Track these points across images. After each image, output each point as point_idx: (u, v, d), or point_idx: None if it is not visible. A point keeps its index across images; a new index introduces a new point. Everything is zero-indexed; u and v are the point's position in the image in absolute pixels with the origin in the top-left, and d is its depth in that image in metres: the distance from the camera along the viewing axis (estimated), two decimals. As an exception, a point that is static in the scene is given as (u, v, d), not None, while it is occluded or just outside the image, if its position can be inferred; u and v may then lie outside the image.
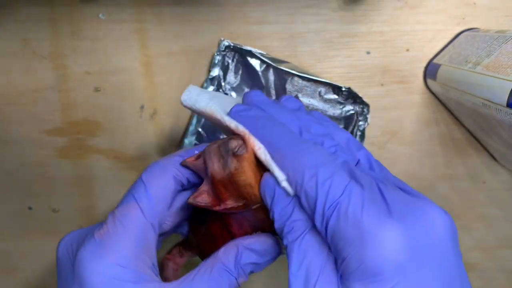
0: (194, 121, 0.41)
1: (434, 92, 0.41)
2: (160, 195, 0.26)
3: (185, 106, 0.29)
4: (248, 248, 0.26)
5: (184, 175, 0.27)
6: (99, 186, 0.43)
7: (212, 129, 0.41)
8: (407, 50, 0.41)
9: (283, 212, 0.24)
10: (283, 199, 0.24)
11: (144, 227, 0.25)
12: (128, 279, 0.23)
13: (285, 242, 0.24)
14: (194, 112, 0.30)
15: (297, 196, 0.24)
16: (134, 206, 0.26)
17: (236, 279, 0.26)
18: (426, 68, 0.41)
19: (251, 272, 0.27)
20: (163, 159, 0.28)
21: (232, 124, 0.27)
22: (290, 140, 0.25)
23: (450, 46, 0.40)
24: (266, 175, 0.25)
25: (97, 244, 0.24)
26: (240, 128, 0.26)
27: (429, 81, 0.40)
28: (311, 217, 0.23)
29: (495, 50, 0.32)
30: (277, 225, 0.24)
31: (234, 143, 0.25)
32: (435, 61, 0.40)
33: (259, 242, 0.27)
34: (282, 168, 0.24)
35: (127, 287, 0.23)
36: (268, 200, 0.25)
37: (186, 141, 0.41)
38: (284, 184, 0.24)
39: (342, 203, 0.22)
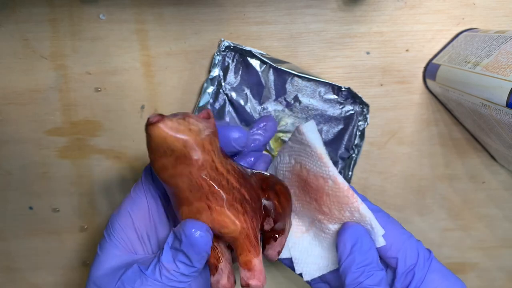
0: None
1: (434, 92, 0.41)
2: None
3: (299, 133, 0.30)
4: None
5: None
6: (99, 186, 0.43)
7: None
8: (407, 50, 0.41)
9: (366, 259, 0.28)
10: (369, 249, 0.29)
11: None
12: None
13: (360, 284, 0.28)
14: (298, 141, 0.30)
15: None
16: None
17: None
18: (426, 68, 0.41)
19: None
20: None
21: (338, 178, 0.29)
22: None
23: (449, 46, 0.40)
24: (353, 224, 0.29)
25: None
26: (343, 184, 0.28)
27: (429, 81, 0.40)
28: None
29: (495, 50, 0.33)
30: (354, 268, 0.28)
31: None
32: (434, 61, 0.40)
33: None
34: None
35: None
36: (347, 247, 0.29)
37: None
38: (381, 238, 0.29)
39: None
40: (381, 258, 0.30)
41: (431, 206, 0.43)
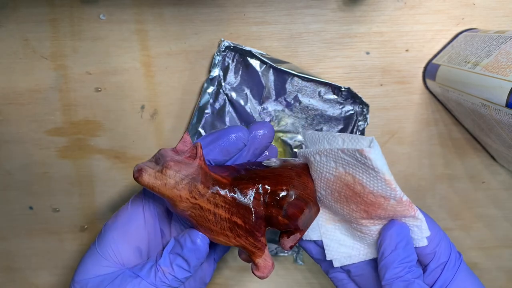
0: (194, 121, 0.41)
1: (434, 92, 0.41)
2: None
3: (364, 157, 0.29)
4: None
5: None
6: (99, 186, 0.43)
7: (211, 129, 0.41)
8: (407, 50, 0.41)
9: (409, 257, 0.30)
10: (411, 247, 0.30)
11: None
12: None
13: (401, 278, 0.30)
14: (358, 160, 0.30)
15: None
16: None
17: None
18: (426, 68, 0.41)
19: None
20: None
21: (404, 197, 0.30)
22: None
23: (449, 47, 0.40)
24: (400, 222, 0.31)
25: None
26: (406, 201, 0.30)
27: (429, 82, 0.40)
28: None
29: (494, 51, 0.33)
30: (397, 263, 0.30)
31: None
32: (434, 61, 0.40)
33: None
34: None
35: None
36: (392, 243, 0.30)
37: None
38: (425, 239, 0.31)
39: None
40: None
41: (431, 206, 0.43)
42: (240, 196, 0.29)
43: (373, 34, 0.41)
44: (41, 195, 0.43)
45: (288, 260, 0.43)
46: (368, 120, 0.40)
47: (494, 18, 0.40)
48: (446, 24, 0.40)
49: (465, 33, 0.40)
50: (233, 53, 0.40)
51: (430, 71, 0.40)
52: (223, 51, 0.40)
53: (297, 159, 0.33)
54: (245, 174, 0.30)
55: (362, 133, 0.40)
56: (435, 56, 0.40)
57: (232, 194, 0.29)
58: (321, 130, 0.41)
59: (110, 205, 0.43)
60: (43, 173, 0.43)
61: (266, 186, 0.30)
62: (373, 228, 0.32)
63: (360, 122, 0.40)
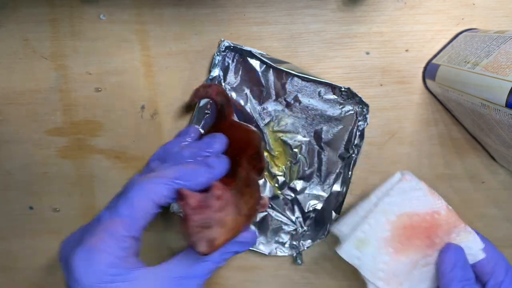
0: (194, 121, 0.41)
1: (433, 92, 0.41)
2: (142, 216, 0.29)
3: (406, 181, 0.35)
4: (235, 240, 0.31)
5: (165, 199, 0.30)
6: (99, 186, 0.43)
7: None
8: (407, 50, 0.41)
9: (467, 275, 0.33)
10: (468, 266, 0.33)
11: (127, 239, 0.29)
12: (117, 273, 0.28)
13: None
14: (401, 192, 0.35)
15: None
16: (119, 223, 0.29)
17: (217, 265, 0.31)
18: (425, 68, 0.41)
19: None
20: (150, 180, 0.30)
21: (448, 206, 0.35)
22: None
23: (449, 47, 0.40)
24: (454, 244, 0.34)
25: (88, 250, 0.28)
26: (452, 209, 0.35)
27: (429, 82, 0.40)
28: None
29: (494, 51, 0.33)
30: (456, 282, 0.32)
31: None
32: (434, 61, 0.40)
33: (244, 236, 0.33)
34: None
35: (118, 280, 0.28)
36: (450, 264, 0.33)
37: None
38: (481, 252, 0.34)
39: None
40: (475, 272, 0.35)
41: (431, 206, 0.43)
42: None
43: (373, 34, 0.41)
44: (41, 195, 0.43)
45: (288, 260, 0.43)
46: (368, 120, 0.40)
47: (494, 18, 0.40)
48: (446, 24, 0.40)
49: (465, 33, 0.40)
50: (233, 53, 0.40)
51: (430, 71, 0.40)
52: (223, 51, 0.40)
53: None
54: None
55: (362, 133, 0.40)
56: (435, 56, 0.41)
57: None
58: (321, 130, 0.41)
59: (110, 205, 0.43)
60: (43, 173, 0.43)
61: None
62: (437, 254, 0.34)
63: (360, 122, 0.40)
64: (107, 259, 0.28)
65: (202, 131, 0.41)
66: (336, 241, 0.38)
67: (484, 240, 0.35)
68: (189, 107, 0.41)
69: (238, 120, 0.37)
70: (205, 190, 0.31)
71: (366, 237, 0.34)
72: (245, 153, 0.34)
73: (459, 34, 0.40)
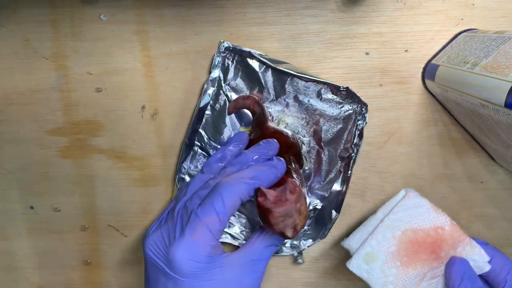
0: (194, 121, 0.41)
1: (433, 92, 0.41)
2: (231, 212, 0.34)
3: (409, 198, 0.37)
4: None
5: (248, 196, 0.35)
6: (100, 186, 0.43)
7: (211, 130, 0.41)
8: (406, 51, 0.41)
9: (476, 286, 0.34)
10: (476, 277, 0.35)
11: (219, 232, 0.34)
12: (209, 261, 0.33)
13: None
14: (405, 208, 0.37)
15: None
16: (215, 219, 0.34)
17: (275, 249, 0.37)
18: (425, 68, 0.41)
19: None
20: (235, 181, 0.35)
21: (452, 220, 0.36)
22: None
23: (448, 47, 0.40)
24: (460, 258, 0.35)
25: (190, 244, 0.33)
26: (456, 224, 0.36)
27: (428, 82, 0.40)
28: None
29: (494, 51, 0.33)
30: None
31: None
32: (433, 61, 0.40)
33: None
34: None
35: (213, 267, 0.34)
36: (458, 277, 0.34)
37: (187, 141, 0.41)
38: (487, 264, 0.35)
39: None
40: (488, 283, 0.36)
41: (430, 206, 0.43)
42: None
43: (372, 34, 0.41)
44: (42, 194, 0.43)
45: (288, 259, 0.44)
46: (367, 119, 0.40)
47: (493, 18, 0.40)
48: (446, 25, 0.40)
49: (464, 33, 0.40)
50: (233, 54, 0.40)
51: (429, 71, 0.40)
52: (223, 52, 0.40)
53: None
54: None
55: (361, 132, 0.40)
56: (434, 56, 0.41)
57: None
58: (320, 129, 0.41)
59: (111, 205, 0.43)
60: (44, 172, 0.43)
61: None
62: (443, 268, 0.35)
63: (359, 122, 0.40)
64: (206, 250, 0.33)
65: (203, 133, 0.41)
66: (346, 255, 0.39)
67: (493, 250, 0.36)
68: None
69: (275, 126, 0.41)
70: (274, 185, 0.36)
71: (374, 251, 0.36)
72: (289, 153, 0.39)
73: (459, 34, 0.40)
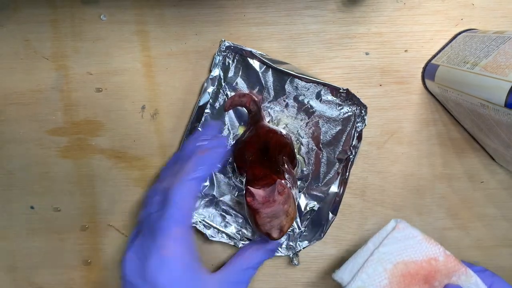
0: (194, 120, 0.41)
1: (433, 92, 0.41)
2: (191, 213, 0.34)
3: (400, 230, 0.36)
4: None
5: (199, 191, 0.35)
6: (100, 186, 0.43)
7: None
8: (406, 51, 0.41)
9: None
10: None
11: (188, 238, 0.33)
12: (187, 276, 0.32)
13: None
14: (396, 241, 0.36)
15: None
16: (177, 230, 0.33)
17: (256, 271, 0.38)
18: (425, 68, 0.41)
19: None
20: (182, 183, 0.34)
21: (446, 251, 0.35)
22: None
23: (448, 47, 0.40)
24: (455, 285, 0.34)
25: (163, 259, 0.32)
26: (450, 254, 0.35)
27: (428, 82, 0.40)
28: None
29: (493, 51, 0.33)
30: None
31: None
32: (433, 61, 0.40)
33: (271, 244, 0.40)
34: None
35: (191, 284, 0.32)
36: None
37: (186, 139, 0.41)
38: None
39: None
40: None
41: (430, 206, 0.43)
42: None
43: (372, 34, 0.41)
44: (42, 194, 0.43)
45: (284, 260, 0.44)
46: (366, 121, 0.40)
47: (493, 18, 0.40)
48: (445, 25, 0.40)
49: (464, 33, 0.40)
50: (233, 54, 0.41)
51: (429, 71, 0.40)
52: (224, 51, 0.40)
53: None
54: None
55: (360, 134, 0.40)
56: (434, 56, 0.41)
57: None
58: (319, 131, 0.41)
59: (111, 205, 0.43)
60: (44, 172, 0.43)
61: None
62: None
63: (358, 124, 0.40)
64: (182, 261, 0.32)
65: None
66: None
67: (492, 277, 0.36)
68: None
69: (270, 125, 0.41)
70: (265, 184, 0.36)
71: (365, 285, 0.35)
72: (282, 153, 0.39)
73: (458, 34, 0.40)
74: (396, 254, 0.35)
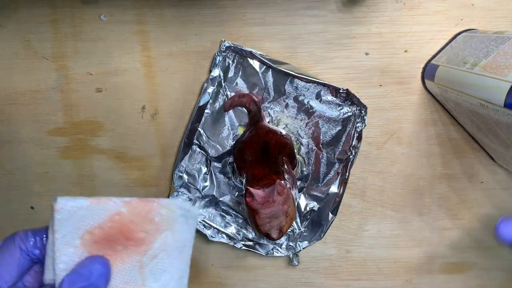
0: (194, 120, 0.41)
1: (432, 92, 0.41)
2: (9, 275, 0.28)
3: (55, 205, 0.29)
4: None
5: (33, 254, 0.29)
6: (100, 186, 0.43)
7: (210, 129, 0.41)
8: (406, 51, 0.41)
9: None
10: None
11: None
12: None
13: None
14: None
15: None
16: None
17: None
18: (424, 69, 0.41)
19: None
20: (11, 242, 0.29)
21: (124, 199, 0.30)
22: None
23: (448, 47, 0.40)
24: None
25: None
26: (132, 200, 0.30)
27: (427, 82, 0.40)
28: None
29: (493, 51, 0.33)
30: None
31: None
32: (433, 62, 0.40)
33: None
34: None
35: None
36: None
37: (186, 139, 0.41)
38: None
39: None
40: None
41: (430, 206, 0.43)
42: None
43: (372, 35, 0.41)
44: (42, 194, 0.43)
45: (284, 260, 0.44)
46: (366, 121, 0.40)
47: (493, 19, 0.40)
48: (445, 25, 0.40)
49: (464, 33, 0.40)
50: (233, 54, 0.41)
51: (429, 71, 0.40)
52: (224, 52, 0.40)
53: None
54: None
55: (360, 134, 0.40)
56: (434, 56, 0.41)
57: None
58: (319, 131, 0.41)
59: (111, 205, 0.43)
60: (44, 173, 0.43)
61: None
62: (156, 243, 0.30)
63: (358, 124, 0.40)
64: None
65: (202, 131, 0.41)
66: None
67: None
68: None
69: (270, 125, 0.41)
70: (265, 184, 0.37)
71: (66, 268, 0.30)
72: (282, 153, 0.40)
73: (458, 34, 0.40)
74: (75, 230, 0.30)
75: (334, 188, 0.41)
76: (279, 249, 0.42)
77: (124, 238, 0.30)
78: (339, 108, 0.41)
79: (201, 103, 0.41)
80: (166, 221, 0.30)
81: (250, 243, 0.42)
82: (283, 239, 0.42)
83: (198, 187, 0.42)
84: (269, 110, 0.41)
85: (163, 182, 0.43)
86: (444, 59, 0.39)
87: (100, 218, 0.30)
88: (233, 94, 0.41)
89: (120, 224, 0.30)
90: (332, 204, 0.41)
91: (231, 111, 0.41)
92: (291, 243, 0.42)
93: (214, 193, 0.42)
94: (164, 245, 0.30)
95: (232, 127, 0.42)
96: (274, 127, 0.41)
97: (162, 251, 0.31)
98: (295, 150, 0.41)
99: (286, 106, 0.41)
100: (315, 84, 0.40)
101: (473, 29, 0.40)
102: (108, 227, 0.30)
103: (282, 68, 0.40)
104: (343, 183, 0.41)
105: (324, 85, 0.40)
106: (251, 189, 0.36)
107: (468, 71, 0.34)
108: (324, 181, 0.42)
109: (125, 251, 0.30)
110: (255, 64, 0.40)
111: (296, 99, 0.41)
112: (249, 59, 0.40)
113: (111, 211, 0.30)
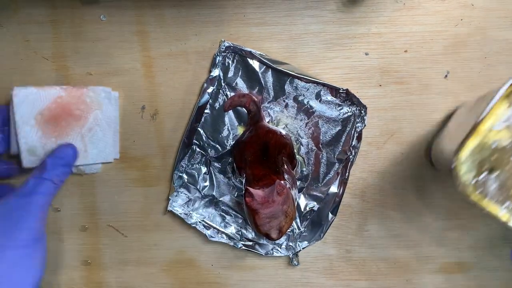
0: (193, 120, 0.41)
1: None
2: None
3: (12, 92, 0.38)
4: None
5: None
6: (100, 186, 0.43)
7: (210, 129, 0.41)
8: (405, 51, 0.41)
9: None
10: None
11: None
12: None
13: None
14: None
15: None
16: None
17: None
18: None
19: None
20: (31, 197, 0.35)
21: (63, 89, 0.39)
22: None
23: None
24: None
25: None
26: (67, 88, 0.39)
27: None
28: None
29: None
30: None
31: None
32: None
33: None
34: None
35: None
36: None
37: (186, 139, 0.41)
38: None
39: None
40: None
41: (430, 206, 0.43)
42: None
43: (372, 35, 0.41)
44: (42, 194, 0.43)
45: (284, 260, 0.44)
46: (366, 121, 0.40)
47: (493, 19, 0.40)
48: (445, 25, 0.40)
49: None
50: (233, 54, 0.41)
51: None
52: (224, 52, 0.40)
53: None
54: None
55: (360, 134, 0.40)
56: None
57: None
58: (319, 131, 0.41)
59: (111, 205, 0.43)
60: (44, 173, 0.43)
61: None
62: (91, 119, 0.39)
63: (358, 124, 0.40)
64: None
65: (202, 131, 0.41)
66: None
67: None
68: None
69: (269, 125, 0.41)
70: (264, 184, 0.37)
71: (34, 145, 0.37)
72: (282, 153, 0.40)
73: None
74: (30, 112, 0.37)
75: (334, 188, 0.41)
76: (279, 249, 0.42)
77: (66, 115, 0.38)
78: (339, 108, 0.41)
79: (201, 103, 0.41)
80: (96, 102, 0.39)
81: (250, 243, 0.42)
82: (282, 239, 0.42)
83: (197, 187, 0.42)
84: (269, 110, 0.41)
85: (163, 182, 0.43)
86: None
87: (46, 101, 0.38)
88: (233, 94, 0.41)
89: (61, 105, 0.38)
90: (332, 204, 0.41)
91: (231, 111, 0.41)
92: (291, 243, 0.42)
93: (214, 193, 0.42)
94: (96, 120, 0.39)
95: (232, 127, 0.42)
96: (274, 127, 0.41)
97: (96, 125, 0.39)
98: (295, 150, 0.41)
99: (286, 106, 0.41)
100: (315, 84, 0.40)
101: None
102: (53, 108, 0.38)
103: (281, 68, 0.40)
104: (343, 183, 0.41)
105: (324, 85, 0.40)
106: (251, 189, 0.36)
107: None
108: (324, 181, 0.42)
109: (69, 126, 0.38)
110: (255, 64, 0.40)
111: (295, 99, 0.41)
112: (248, 59, 0.40)
113: (54, 95, 0.38)
